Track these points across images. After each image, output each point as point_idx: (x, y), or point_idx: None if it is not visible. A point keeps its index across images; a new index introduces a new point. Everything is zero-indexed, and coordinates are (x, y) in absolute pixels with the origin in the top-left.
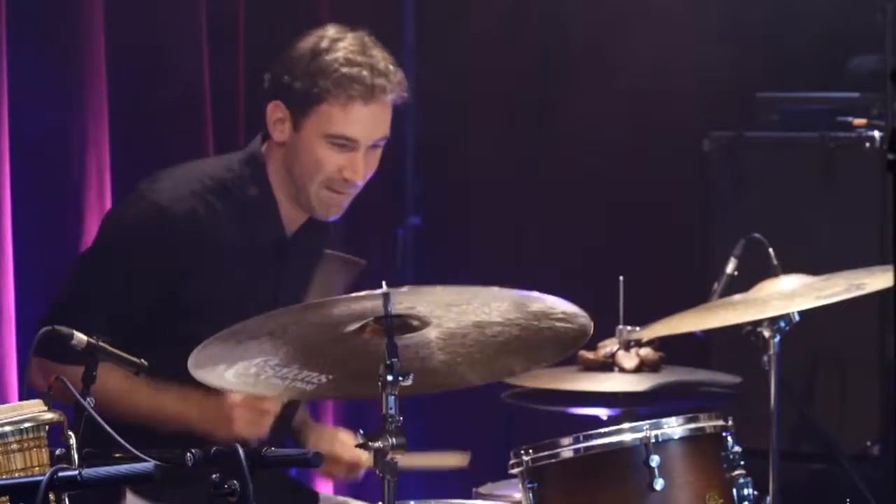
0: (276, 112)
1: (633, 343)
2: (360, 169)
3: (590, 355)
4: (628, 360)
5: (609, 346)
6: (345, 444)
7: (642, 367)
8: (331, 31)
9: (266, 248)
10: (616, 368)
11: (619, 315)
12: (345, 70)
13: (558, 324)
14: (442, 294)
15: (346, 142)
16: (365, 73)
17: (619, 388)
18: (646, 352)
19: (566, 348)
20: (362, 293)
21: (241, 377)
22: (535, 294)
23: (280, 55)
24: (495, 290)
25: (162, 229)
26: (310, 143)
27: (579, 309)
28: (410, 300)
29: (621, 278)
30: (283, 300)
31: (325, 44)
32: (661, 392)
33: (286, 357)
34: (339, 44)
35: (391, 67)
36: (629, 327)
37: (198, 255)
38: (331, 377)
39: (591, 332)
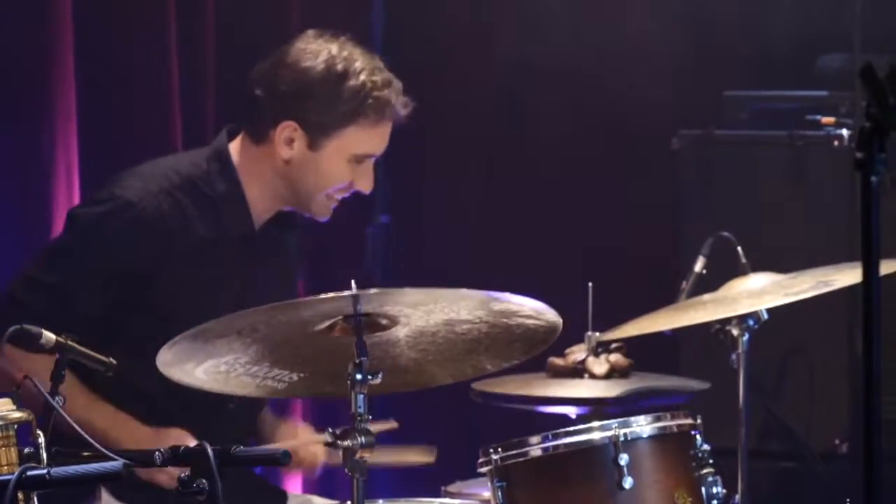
0: (286, 131)
1: (601, 349)
2: (372, 180)
3: (559, 362)
4: (598, 366)
5: (578, 352)
6: (302, 441)
7: (612, 374)
8: (331, 48)
9: (234, 242)
10: (586, 375)
11: (588, 321)
12: (376, 94)
13: (528, 321)
14: (411, 295)
15: (366, 158)
16: (391, 93)
17: (588, 394)
18: (616, 358)
19: (537, 345)
20: (331, 294)
21: (212, 374)
22: (503, 295)
23: (279, 71)
24: (463, 291)
25: (132, 226)
26: (330, 161)
27: (547, 307)
28: (379, 301)
29: (590, 284)
30: (251, 294)
31: (340, 66)
32: (631, 399)
33: (256, 355)
34: (356, 64)
35: (394, 80)
36: (598, 333)
37: (167, 252)
38: (302, 375)
39: (561, 327)
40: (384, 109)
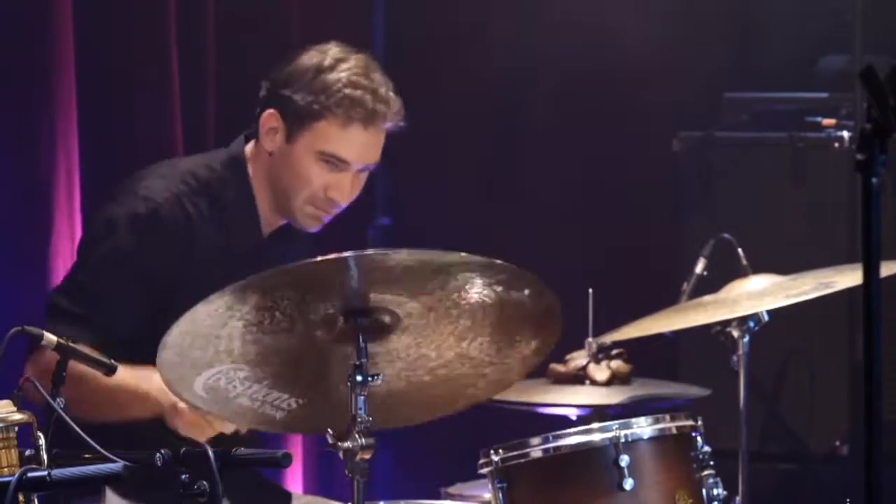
0: (270, 121)
1: (602, 356)
2: (347, 191)
3: (560, 368)
4: (600, 372)
5: (578, 358)
6: None
7: (613, 380)
8: (334, 49)
9: (241, 250)
10: (587, 381)
11: (589, 327)
12: (347, 91)
13: (528, 300)
14: (407, 260)
15: (337, 162)
16: (367, 97)
17: (590, 400)
18: (617, 364)
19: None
20: (330, 256)
21: (211, 392)
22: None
23: (281, 65)
24: (463, 255)
25: (157, 228)
26: (301, 156)
27: (544, 285)
28: (375, 265)
29: (591, 291)
30: None
31: (328, 62)
32: (632, 406)
33: (254, 367)
34: (344, 64)
35: (392, 94)
36: (599, 338)
37: (188, 257)
38: (302, 401)
39: (559, 312)
40: (354, 109)
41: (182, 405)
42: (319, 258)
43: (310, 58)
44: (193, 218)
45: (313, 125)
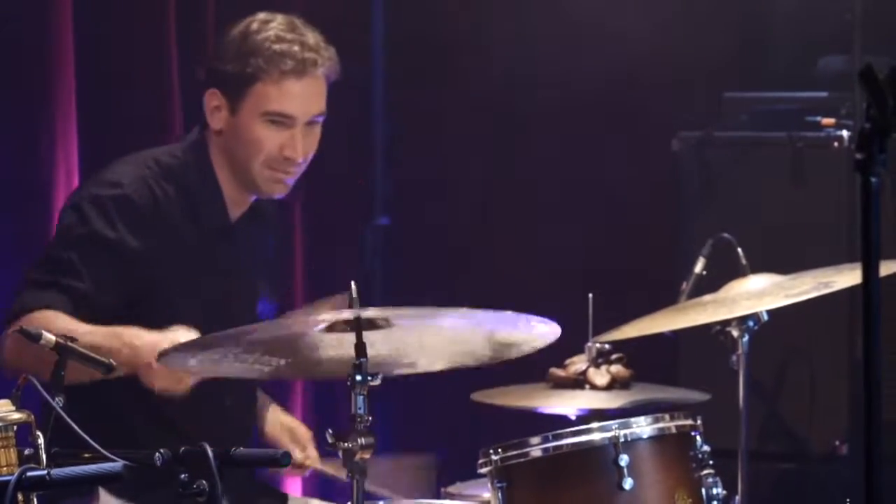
0: (212, 100)
1: (602, 360)
2: (299, 146)
3: (560, 373)
4: (600, 377)
5: (578, 363)
6: (297, 440)
7: (614, 384)
8: (261, 15)
9: (211, 233)
10: (587, 386)
11: (589, 332)
12: (276, 47)
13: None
14: (412, 314)
15: (282, 118)
16: (295, 48)
17: (590, 405)
18: (617, 369)
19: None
20: (331, 315)
21: (203, 363)
22: (507, 318)
23: (215, 43)
24: (464, 310)
25: (127, 209)
26: (248, 124)
27: (547, 324)
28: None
29: (591, 295)
30: (228, 285)
31: (255, 26)
32: (632, 411)
33: (247, 346)
34: (270, 24)
35: (322, 44)
36: (598, 344)
37: (159, 237)
38: (289, 360)
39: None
40: (284, 62)
41: (157, 365)
42: (323, 324)
43: (236, 28)
44: (160, 200)
45: (251, 89)
